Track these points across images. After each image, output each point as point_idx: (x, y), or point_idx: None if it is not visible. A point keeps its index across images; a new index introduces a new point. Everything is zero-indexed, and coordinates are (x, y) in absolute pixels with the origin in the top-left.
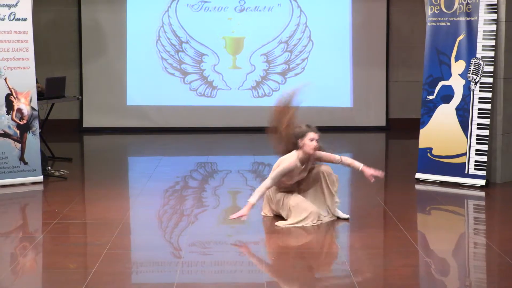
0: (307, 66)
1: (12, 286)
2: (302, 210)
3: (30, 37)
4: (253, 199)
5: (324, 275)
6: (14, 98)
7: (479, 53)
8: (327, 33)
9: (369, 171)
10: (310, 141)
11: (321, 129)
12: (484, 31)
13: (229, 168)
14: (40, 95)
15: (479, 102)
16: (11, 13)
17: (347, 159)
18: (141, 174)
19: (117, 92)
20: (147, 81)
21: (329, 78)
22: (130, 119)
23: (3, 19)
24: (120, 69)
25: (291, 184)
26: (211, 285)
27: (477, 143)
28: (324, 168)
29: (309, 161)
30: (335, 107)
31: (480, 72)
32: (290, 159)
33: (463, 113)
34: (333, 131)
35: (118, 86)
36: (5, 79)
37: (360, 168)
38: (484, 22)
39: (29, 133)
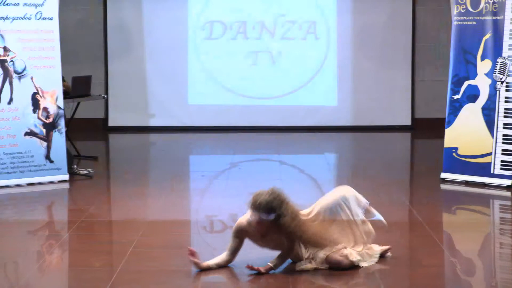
0: (331, 64)
1: (39, 283)
2: None
3: (56, 36)
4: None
5: (349, 275)
6: (40, 96)
7: (506, 52)
8: (352, 32)
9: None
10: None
11: (347, 129)
12: (510, 30)
13: (256, 168)
14: (66, 94)
15: (505, 101)
16: (38, 12)
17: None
18: (167, 173)
19: (143, 91)
20: (172, 79)
21: (354, 77)
22: (156, 118)
23: (29, 18)
24: (146, 68)
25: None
26: (234, 286)
27: (503, 142)
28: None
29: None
30: (362, 106)
31: (506, 71)
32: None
33: (489, 113)
34: (358, 131)
35: (144, 85)
36: (31, 78)
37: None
38: (511, 21)
39: (55, 131)
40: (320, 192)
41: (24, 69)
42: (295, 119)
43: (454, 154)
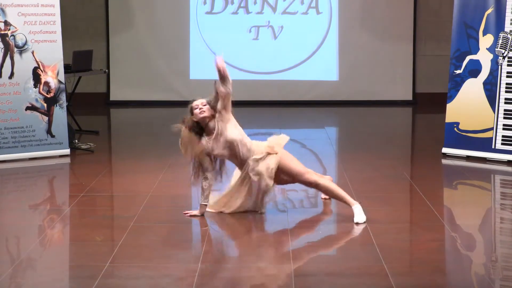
0: (332, 39)
1: (40, 257)
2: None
3: (57, 10)
4: (202, 200)
5: (350, 249)
6: (41, 71)
7: (508, 27)
8: (353, 7)
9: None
10: (195, 110)
11: (348, 103)
12: None
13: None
14: (67, 68)
15: (507, 76)
16: None
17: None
18: (168, 147)
19: (144, 65)
20: (174, 54)
21: (356, 52)
22: (157, 92)
23: None
24: (147, 42)
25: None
26: (235, 261)
27: (504, 117)
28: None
29: (208, 126)
30: (363, 81)
31: (508, 46)
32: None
33: (490, 88)
34: (359, 105)
35: (145, 59)
36: (33, 52)
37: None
38: None
39: (56, 106)
40: (321, 166)
41: (25, 44)
42: (296, 94)
43: (455, 129)
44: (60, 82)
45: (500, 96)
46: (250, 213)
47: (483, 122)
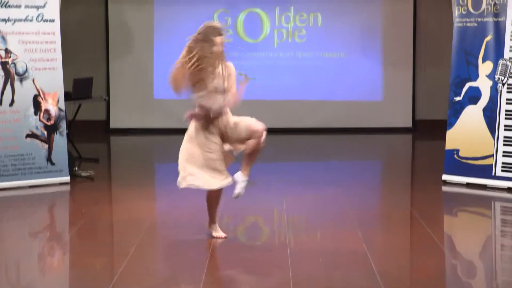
0: (330, 64)
1: (40, 285)
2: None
3: (57, 38)
4: None
5: (349, 274)
6: (42, 99)
7: (507, 54)
8: (352, 32)
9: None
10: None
11: (347, 130)
12: None
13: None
14: (67, 96)
15: (507, 103)
16: (39, 14)
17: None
18: (168, 175)
19: (145, 92)
20: None
21: (355, 78)
22: (157, 120)
23: (31, 20)
24: (148, 69)
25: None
26: (239, 284)
27: (504, 144)
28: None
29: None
30: (362, 107)
31: (507, 73)
32: None
33: (490, 114)
34: (358, 132)
35: (146, 86)
36: (33, 80)
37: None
38: None
39: (56, 133)
40: (320, 192)
41: (26, 71)
42: (293, 120)
43: (455, 156)
44: (60, 109)
45: (500, 123)
46: (250, 238)
47: (483, 149)
